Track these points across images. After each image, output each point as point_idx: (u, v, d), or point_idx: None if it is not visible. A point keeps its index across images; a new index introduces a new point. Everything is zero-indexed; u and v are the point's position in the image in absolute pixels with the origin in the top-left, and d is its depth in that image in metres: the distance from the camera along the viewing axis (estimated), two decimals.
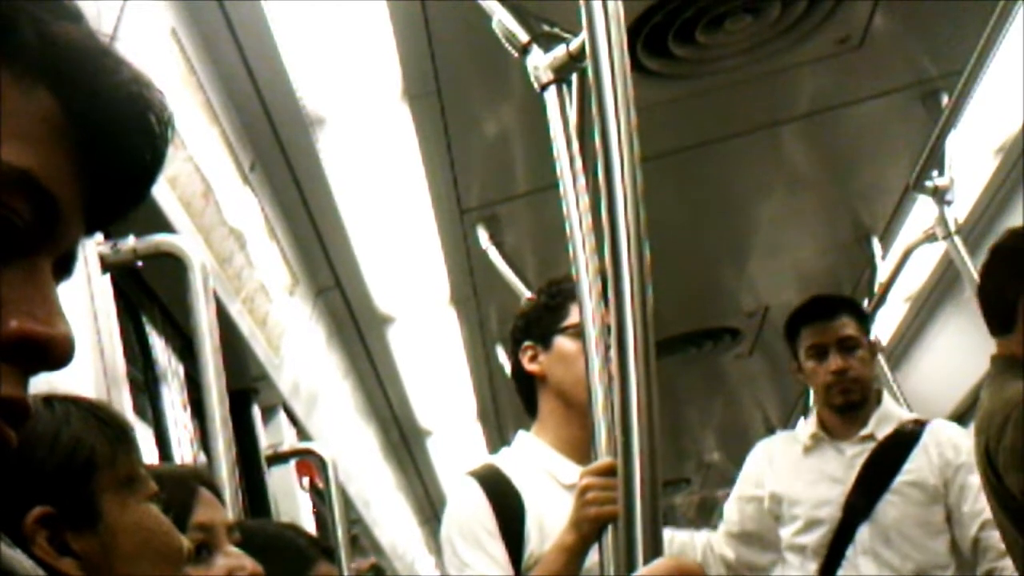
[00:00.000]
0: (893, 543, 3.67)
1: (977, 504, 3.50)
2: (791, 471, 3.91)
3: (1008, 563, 3.19)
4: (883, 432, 3.80)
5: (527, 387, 2.89)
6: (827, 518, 3.77)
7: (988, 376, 2.91)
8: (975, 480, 3.28)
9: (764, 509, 3.92)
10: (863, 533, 3.71)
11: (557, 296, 2.86)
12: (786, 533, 3.89)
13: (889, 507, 3.70)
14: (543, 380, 2.84)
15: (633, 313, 1.79)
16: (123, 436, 1.41)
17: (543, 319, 2.85)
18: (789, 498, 3.87)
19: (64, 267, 0.77)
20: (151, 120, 0.77)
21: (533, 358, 2.84)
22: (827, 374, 3.80)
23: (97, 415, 1.40)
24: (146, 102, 0.77)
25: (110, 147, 0.75)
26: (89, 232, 0.78)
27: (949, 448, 3.71)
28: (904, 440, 3.78)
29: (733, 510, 4.02)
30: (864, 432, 3.81)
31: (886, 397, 3.99)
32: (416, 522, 8.51)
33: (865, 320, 3.97)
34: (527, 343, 2.86)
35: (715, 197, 4.79)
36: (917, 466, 3.71)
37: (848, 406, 3.82)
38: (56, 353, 0.72)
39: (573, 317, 2.79)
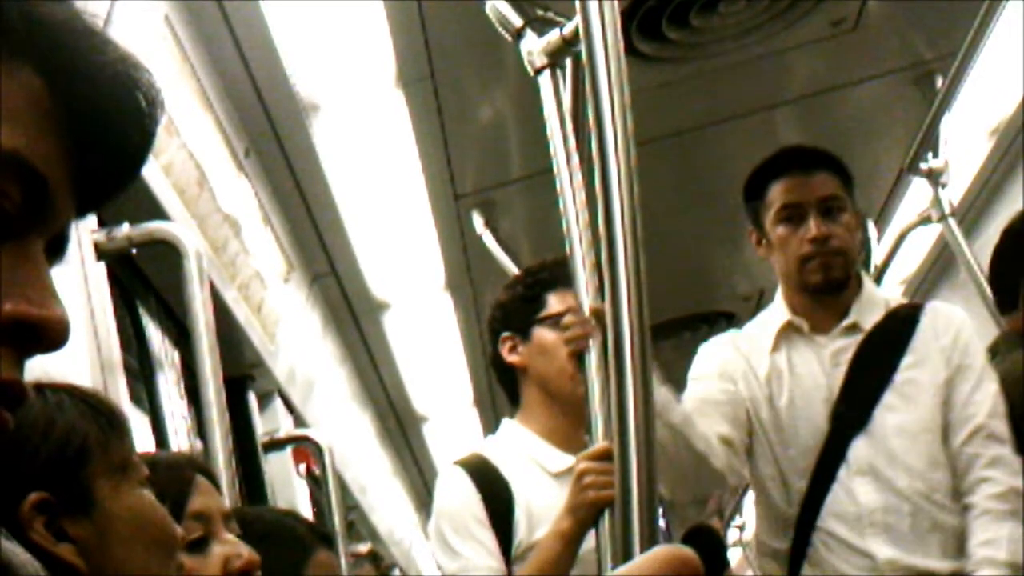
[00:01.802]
0: (897, 459, 2.90)
1: (968, 408, 2.91)
2: (759, 371, 3.10)
3: (991, 499, 2.82)
4: (870, 321, 3.03)
5: (508, 377, 2.89)
6: (809, 434, 3.01)
7: (1002, 350, 3.13)
8: (972, 377, 2.91)
9: (743, 411, 3.07)
10: (858, 448, 2.93)
11: (534, 286, 2.86)
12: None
13: (888, 413, 2.94)
14: (524, 371, 2.84)
15: (628, 297, 1.79)
16: (116, 423, 1.41)
17: (520, 310, 2.85)
18: (774, 401, 3.07)
19: (56, 249, 0.76)
20: (140, 100, 0.77)
21: (512, 349, 2.84)
22: (803, 243, 2.98)
23: (90, 403, 1.40)
24: (134, 82, 0.76)
25: (99, 127, 0.75)
26: (80, 214, 0.78)
27: (950, 334, 2.98)
28: (898, 327, 3.02)
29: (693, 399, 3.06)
30: (847, 322, 3.04)
31: (866, 279, 3.20)
32: (412, 508, 8.52)
33: (850, 182, 3.10)
34: (505, 334, 2.85)
35: (710, 180, 4.78)
36: (920, 358, 2.97)
37: (828, 285, 3.01)
38: (51, 335, 0.72)
39: (551, 307, 2.79)
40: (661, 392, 2.66)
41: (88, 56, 0.74)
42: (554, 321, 2.75)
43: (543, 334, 2.79)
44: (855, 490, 2.92)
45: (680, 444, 2.75)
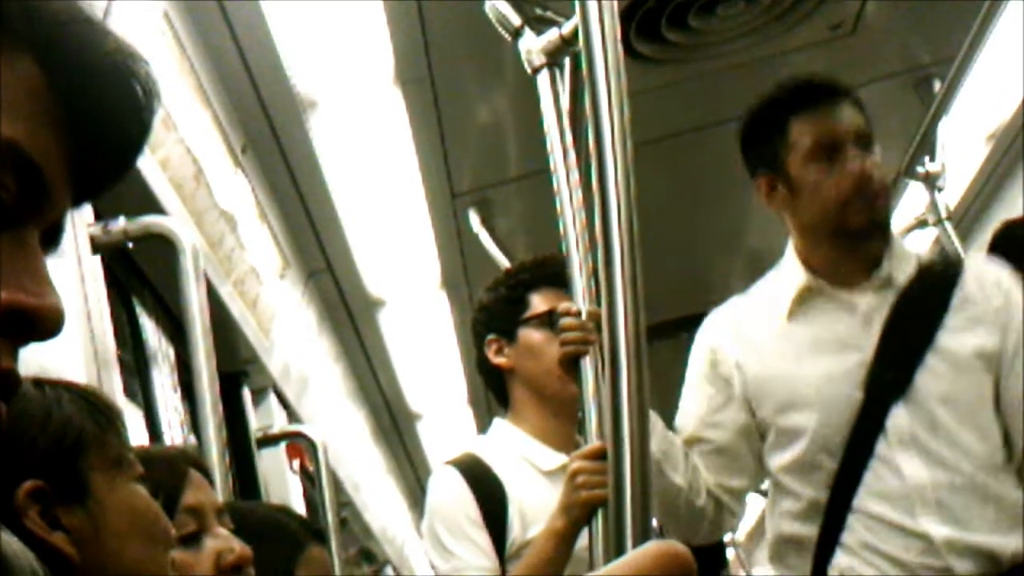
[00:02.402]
0: (941, 428, 2.55)
1: None
2: (772, 344, 2.73)
3: None
4: (904, 274, 2.66)
5: (495, 378, 2.89)
6: (842, 402, 2.62)
7: None
8: None
9: (736, 398, 2.73)
10: (897, 417, 2.57)
11: (516, 287, 2.85)
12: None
13: (931, 378, 2.57)
14: (512, 372, 2.84)
15: (624, 297, 1.79)
16: (112, 419, 1.42)
17: (504, 311, 2.84)
18: (775, 382, 2.70)
19: (51, 239, 0.76)
20: (136, 90, 0.77)
21: (499, 351, 2.84)
22: (844, 181, 2.61)
23: (87, 399, 1.41)
24: (131, 72, 0.77)
25: (95, 117, 0.75)
26: (76, 204, 0.78)
27: (1001, 294, 2.63)
28: (938, 283, 2.67)
29: (687, 410, 2.81)
30: (880, 275, 2.66)
31: (894, 229, 2.82)
32: (406, 505, 8.52)
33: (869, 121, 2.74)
34: (491, 336, 2.85)
35: (708, 181, 4.78)
36: (967, 318, 2.61)
37: (872, 227, 2.64)
38: (46, 324, 0.72)
39: (535, 307, 2.80)
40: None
41: (86, 47, 0.74)
42: (539, 321, 2.76)
43: (529, 334, 2.79)
44: (900, 465, 2.56)
45: (660, 474, 2.62)
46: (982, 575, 2.52)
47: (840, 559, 2.62)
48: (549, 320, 2.71)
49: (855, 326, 2.63)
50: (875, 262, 2.66)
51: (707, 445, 2.73)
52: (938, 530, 2.53)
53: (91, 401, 1.41)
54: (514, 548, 2.63)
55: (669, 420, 2.76)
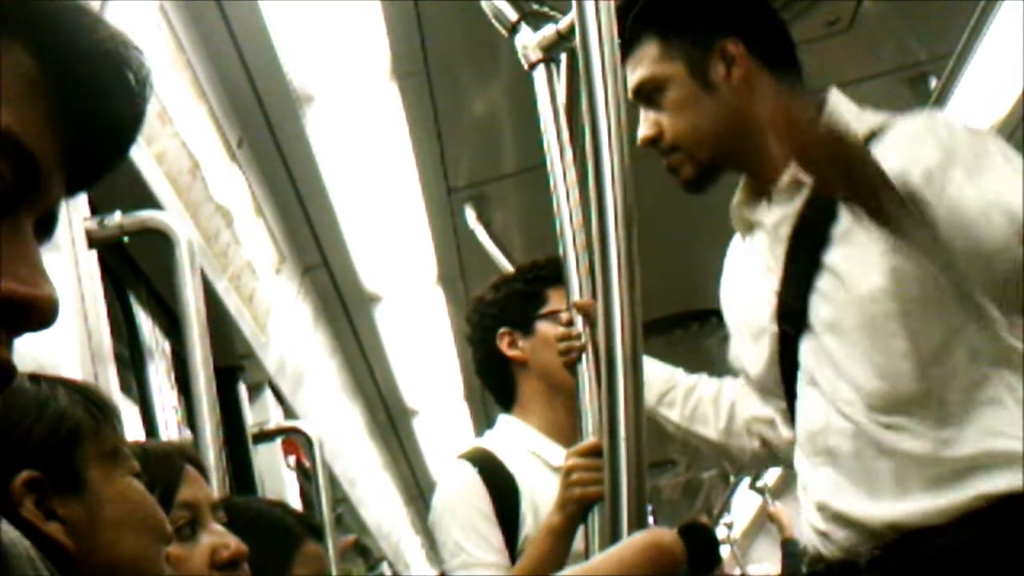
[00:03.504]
0: (831, 363, 2.12)
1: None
2: (731, 271, 2.43)
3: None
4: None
5: (500, 373, 2.87)
6: (763, 335, 2.26)
7: None
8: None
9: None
10: (804, 352, 2.17)
11: (535, 281, 2.85)
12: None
13: (821, 301, 2.12)
14: (524, 365, 2.83)
15: (620, 293, 1.79)
16: (108, 413, 1.42)
17: (520, 305, 2.84)
18: (727, 312, 2.42)
19: (46, 229, 0.76)
20: (129, 78, 0.77)
21: (512, 343, 2.83)
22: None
23: (83, 393, 1.42)
24: (124, 59, 0.77)
25: (89, 105, 0.75)
26: (70, 193, 0.78)
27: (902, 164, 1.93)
28: None
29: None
30: (786, 176, 2.18)
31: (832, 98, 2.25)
32: (402, 501, 8.53)
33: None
34: (503, 329, 2.84)
35: None
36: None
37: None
38: (40, 314, 0.72)
39: (553, 303, 2.79)
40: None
41: (79, 34, 0.74)
42: (556, 316, 2.75)
43: (547, 328, 2.77)
44: (806, 407, 2.20)
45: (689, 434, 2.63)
46: (855, 547, 2.12)
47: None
48: (559, 315, 2.72)
49: (766, 244, 2.24)
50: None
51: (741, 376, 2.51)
52: (819, 489, 2.18)
53: (87, 395, 1.42)
54: (526, 544, 2.63)
55: None
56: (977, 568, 2.01)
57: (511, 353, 2.83)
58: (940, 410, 2.04)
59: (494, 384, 2.91)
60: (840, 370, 2.12)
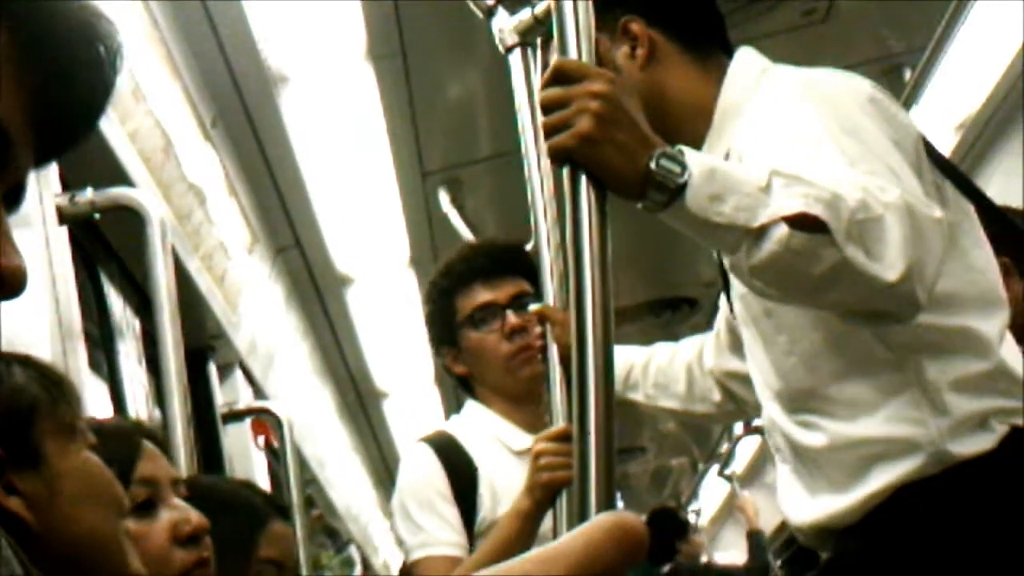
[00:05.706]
0: (754, 356, 2.12)
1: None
2: None
3: None
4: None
5: (456, 377, 2.91)
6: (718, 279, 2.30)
7: None
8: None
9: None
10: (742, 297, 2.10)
11: (440, 298, 2.87)
12: None
13: (733, 293, 2.15)
14: (470, 376, 2.87)
15: (592, 280, 1.79)
16: (64, 388, 1.42)
17: (441, 322, 2.87)
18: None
19: (14, 200, 0.76)
20: (99, 49, 0.77)
21: (454, 359, 2.87)
22: None
23: (40, 371, 1.41)
24: (94, 31, 0.76)
25: (59, 76, 0.75)
26: (39, 164, 0.77)
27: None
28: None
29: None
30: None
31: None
32: (371, 484, 8.52)
33: None
34: (442, 348, 2.89)
35: None
36: None
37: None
38: (8, 283, 0.72)
39: (462, 310, 2.81)
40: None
41: (50, 5, 0.74)
42: (469, 322, 2.77)
43: (468, 337, 2.80)
44: (750, 356, 2.17)
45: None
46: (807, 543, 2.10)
47: None
48: (472, 319, 2.77)
49: None
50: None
51: None
52: (777, 482, 2.13)
53: (42, 372, 1.41)
54: (484, 526, 2.64)
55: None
56: None
57: (456, 369, 2.86)
58: (838, 404, 1.96)
59: (456, 382, 2.95)
60: (758, 366, 2.09)
